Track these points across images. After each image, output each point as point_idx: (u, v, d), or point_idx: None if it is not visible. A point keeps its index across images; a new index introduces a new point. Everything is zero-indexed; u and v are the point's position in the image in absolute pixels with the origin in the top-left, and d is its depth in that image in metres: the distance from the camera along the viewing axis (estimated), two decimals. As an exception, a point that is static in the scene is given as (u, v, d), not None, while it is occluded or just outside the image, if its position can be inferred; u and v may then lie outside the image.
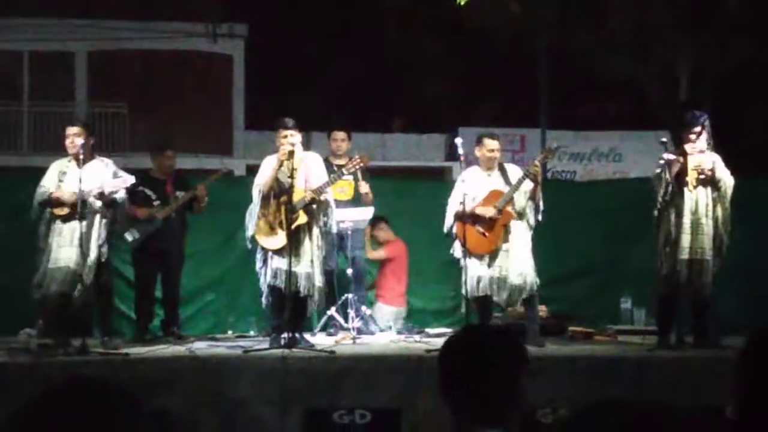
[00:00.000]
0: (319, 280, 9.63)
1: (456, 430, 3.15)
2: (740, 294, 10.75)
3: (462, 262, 9.88)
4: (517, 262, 9.82)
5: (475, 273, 9.86)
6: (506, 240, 9.89)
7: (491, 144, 10.21)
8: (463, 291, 9.83)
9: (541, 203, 9.91)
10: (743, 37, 20.95)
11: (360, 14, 26.87)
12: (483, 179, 10.13)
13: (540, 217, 9.94)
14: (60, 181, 9.71)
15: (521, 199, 9.95)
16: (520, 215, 9.97)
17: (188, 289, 11.31)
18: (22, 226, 10.93)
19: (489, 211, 9.89)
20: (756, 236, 11.26)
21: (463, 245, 9.79)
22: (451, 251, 10.15)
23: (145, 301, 10.81)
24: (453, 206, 10.04)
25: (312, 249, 9.61)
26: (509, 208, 9.91)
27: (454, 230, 10.02)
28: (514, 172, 10.12)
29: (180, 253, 10.92)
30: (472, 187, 10.04)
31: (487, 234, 9.91)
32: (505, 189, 9.95)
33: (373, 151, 24.62)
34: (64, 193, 9.61)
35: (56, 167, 9.85)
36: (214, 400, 8.42)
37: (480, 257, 9.89)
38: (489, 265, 9.86)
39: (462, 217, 9.84)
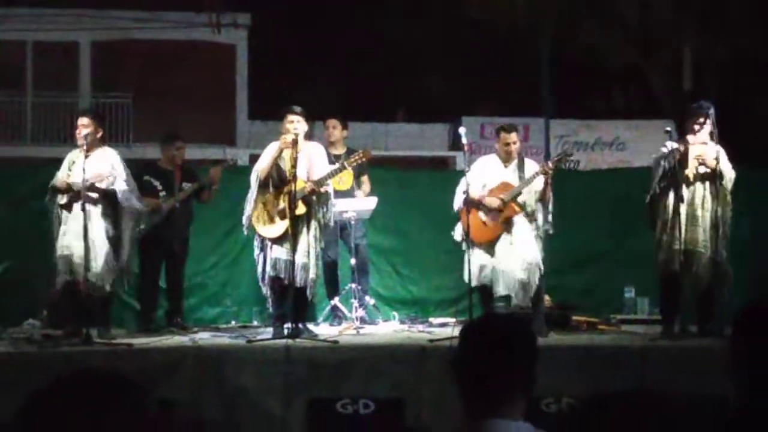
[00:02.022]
0: (313, 272, 9.62)
1: (465, 421, 3.15)
2: (746, 283, 10.72)
3: (463, 246, 9.94)
4: (522, 256, 9.82)
5: (478, 261, 9.88)
6: (509, 232, 9.91)
7: (507, 137, 10.22)
8: (465, 278, 9.87)
9: (551, 206, 9.95)
10: (748, 27, 20.93)
11: (363, 3, 26.85)
12: (499, 169, 10.17)
13: (550, 218, 9.98)
14: (69, 170, 9.75)
15: (530, 198, 9.96)
16: (528, 214, 9.99)
17: (192, 278, 11.31)
18: (25, 217, 10.96)
19: (494, 202, 9.92)
20: (761, 226, 11.25)
21: (466, 232, 9.83)
22: (452, 233, 10.17)
23: (149, 291, 10.81)
24: (463, 187, 10.02)
25: (308, 240, 9.60)
26: (515, 204, 9.92)
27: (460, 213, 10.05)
28: (531, 168, 10.11)
29: (184, 244, 10.91)
30: (485, 175, 10.09)
31: (488, 223, 9.95)
32: (517, 183, 9.97)
33: (376, 141, 24.63)
34: (60, 181, 9.67)
35: (69, 157, 9.90)
36: (217, 390, 8.43)
37: (481, 246, 9.92)
38: (491, 255, 9.88)
39: (468, 203, 9.86)
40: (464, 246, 9.97)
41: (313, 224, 9.63)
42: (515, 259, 9.81)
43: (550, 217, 10.01)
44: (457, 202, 10.06)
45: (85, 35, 25.98)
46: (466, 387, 3.14)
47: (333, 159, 10.62)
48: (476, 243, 9.92)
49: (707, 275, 9.53)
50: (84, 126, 9.80)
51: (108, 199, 9.66)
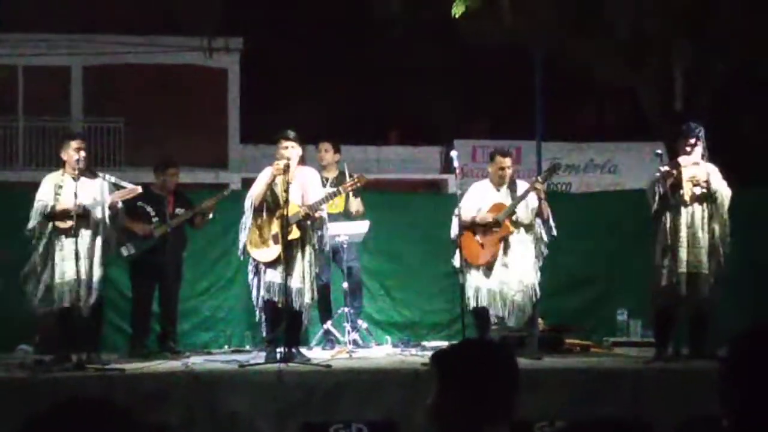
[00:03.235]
0: (308, 296, 9.61)
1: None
2: (738, 305, 10.74)
3: (461, 272, 9.96)
4: (518, 278, 9.84)
5: (474, 284, 9.91)
6: (505, 254, 9.93)
7: (502, 161, 10.28)
8: (467, 302, 9.90)
9: (551, 221, 9.98)
10: (738, 46, 20.96)
11: (355, 27, 26.88)
12: (492, 194, 10.21)
13: (554, 233, 9.99)
14: (57, 194, 9.66)
15: (527, 215, 9.98)
16: (527, 229, 9.99)
17: (184, 303, 11.29)
18: (17, 242, 10.93)
19: (487, 217, 9.93)
20: (754, 246, 11.25)
21: (462, 255, 9.88)
22: (452, 260, 10.19)
23: (141, 315, 10.79)
24: (457, 214, 10.07)
25: (303, 264, 9.59)
26: (509, 223, 9.94)
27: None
28: (523, 188, 10.15)
29: (177, 268, 10.90)
30: (480, 199, 10.13)
31: (485, 245, 9.96)
32: (509, 203, 10.01)
33: (368, 164, 24.64)
34: (70, 205, 9.53)
35: (51, 180, 9.78)
36: (210, 415, 8.41)
37: (478, 268, 9.93)
38: (487, 277, 9.89)
39: (462, 227, 9.90)
40: (462, 271, 10.01)
41: (308, 249, 9.63)
42: (511, 281, 9.83)
43: (553, 231, 10.01)
44: (454, 229, 10.09)
45: (77, 60, 25.99)
46: (445, 414, 3.13)
47: (324, 182, 10.63)
48: (472, 265, 9.95)
49: (708, 297, 9.53)
50: (83, 149, 9.76)
51: (100, 224, 9.66)
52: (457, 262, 10.11)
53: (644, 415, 8.16)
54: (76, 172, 9.60)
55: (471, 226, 10.00)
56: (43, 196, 9.73)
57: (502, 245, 9.95)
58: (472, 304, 9.94)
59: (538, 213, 9.99)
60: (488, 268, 9.95)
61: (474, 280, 9.94)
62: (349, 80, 28.11)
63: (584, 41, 22.00)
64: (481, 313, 10.00)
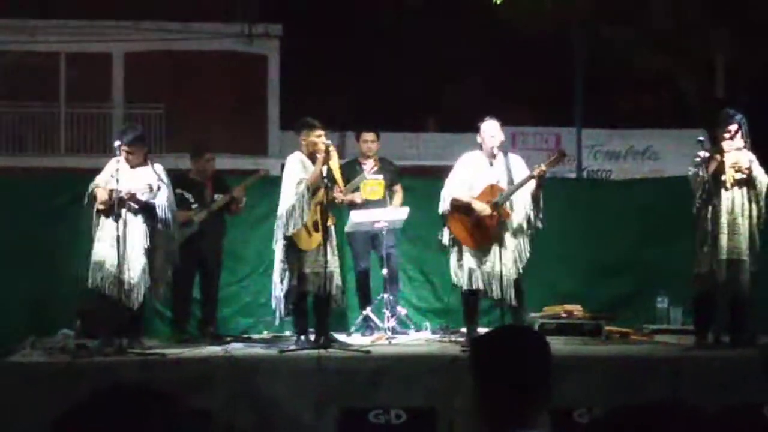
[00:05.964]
0: (339, 279, 9.78)
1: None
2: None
3: (451, 251, 9.93)
4: (512, 256, 9.70)
5: (468, 265, 9.79)
6: (500, 237, 9.72)
7: (483, 127, 10.16)
8: (454, 280, 9.87)
9: (541, 203, 9.79)
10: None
11: (394, 13, 26.86)
12: (484, 167, 10.02)
13: (540, 223, 9.83)
14: (112, 176, 9.66)
15: (522, 200, 9.81)
16: (519, 215, 9.82)
17: (225, 289, 11.34)
18: (61, 227, 11.02)
19: (485, 210, 9.75)
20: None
21: (454, 237, 9.85)
22: (439, 237, 10.12)
23: (182, 301, 10.85)
24: (449, 190, 9.96)
25: (333, 248, 9.77)
26: (506, 207, 9.81)
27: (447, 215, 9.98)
28: (517, 165, 9.98)
29: (218, 254, 10.95)
30: (471, 174, 9.99)
31: (480, 228, 9.79)
32: (504, 184, 9.84)
33: (408, 150, 24.62)
34: (102, 189, 9.62)
35: (113, 165, 9.78)
36: (250, 401, 8.46)
37: (470, 250, 9.83)
38: (482, 260, 9.76)
39: (456, 207, 9.82)
40: (451, 250, 9.95)
41: (333, 233, 9.78)
42: (507, 260, 9.67)
43: (541, 215, 9.83)
44: (444, 205, 9.98)
45: (118, 46, 26.10)
46: (485, 401, 3.13)
47: (357, 168, 10.81)
48: (465, 246, 9.86)
49: (748, 283, 9.47)
50: (128, 153, 9.79)
51: (148, 212, 9.68)
52: (445, 239, 10.02)
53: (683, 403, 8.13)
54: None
55: (465, 210, 9.85)
56: (98, 177, 9.81)
57: (496, 229, 9.72)
58: (464, 285, 9.85)
59: (533, 197, 9.78)
60: (484, 252, 9.77)
61: (468, 261, 9.81)
62: (388, 67, 28.09)
63: (624, 28, 21.91)
64: (472, 296, 9.92)
